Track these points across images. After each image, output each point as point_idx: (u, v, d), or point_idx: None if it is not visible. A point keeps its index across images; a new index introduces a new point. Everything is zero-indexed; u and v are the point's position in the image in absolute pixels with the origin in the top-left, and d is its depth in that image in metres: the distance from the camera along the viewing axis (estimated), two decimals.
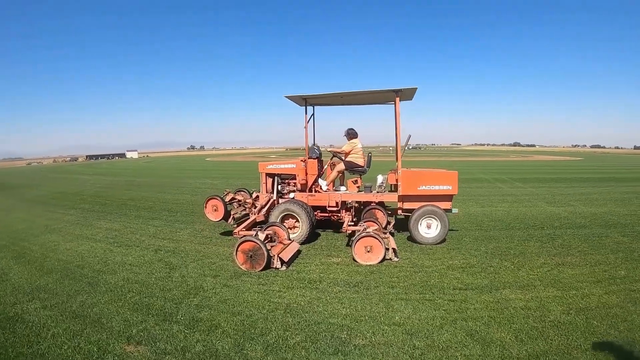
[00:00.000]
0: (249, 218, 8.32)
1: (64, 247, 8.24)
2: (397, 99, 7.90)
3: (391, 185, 8.53)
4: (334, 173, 8.88)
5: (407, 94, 8.27)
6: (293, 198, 8.63)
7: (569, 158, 65.38)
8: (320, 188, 8.76)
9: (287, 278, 5.92)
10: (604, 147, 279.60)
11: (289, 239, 7.21)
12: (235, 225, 8.62)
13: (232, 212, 8.82)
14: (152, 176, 30.47)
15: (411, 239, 7.96)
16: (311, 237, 8.04)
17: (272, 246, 6.61)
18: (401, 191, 7.92)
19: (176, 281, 5.90)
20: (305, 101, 8.58)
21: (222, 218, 8.58)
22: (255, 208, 8.76)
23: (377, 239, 6.51)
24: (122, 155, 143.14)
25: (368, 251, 6.56)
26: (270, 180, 9.22)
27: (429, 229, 7.91)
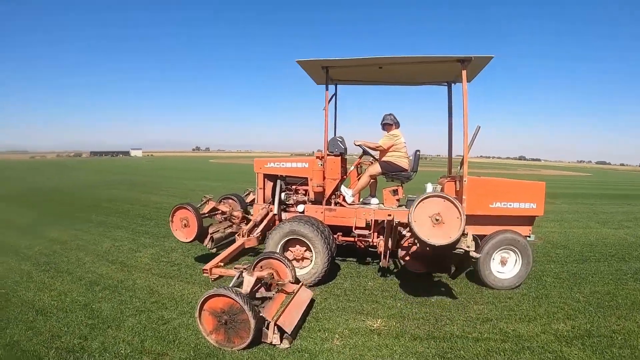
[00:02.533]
0: (234, 241, 5.53)
1: None
2: (464, 72, 5.14)
3: None
4: (364, 178, 6.10)
5: (473, 68, 5.53)
6: (302, 213, 5.88)
7: (577, 173, 61.45)
8: (344, 199, 5.96)
9: None
10: (609, 164, 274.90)
11: (295, 281, 4.46)
12: (214, 250, 5.81)
13: (210, 230, 6.09)
14: (148, 175, 27.76)
15: (476, 278, 5.34)
16: (329, 274, 5.27)
17: (263, 302, 3.99)
18: (466, 209, 5.07)
19: None
20: (326, 72, 5.78)
21: (195, 238, 5.82)
22: (245, 225, 5.93)
23: (451, 202, 4.11)
24: (127, 153, 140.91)
25: (437, 221, 4.09)
26: (270, 184, 6.39)
27: (503, 267, 5.23)
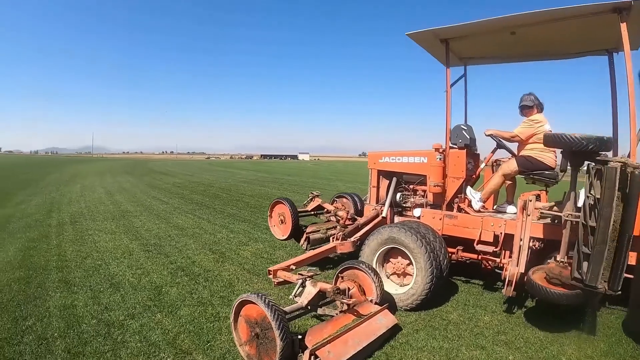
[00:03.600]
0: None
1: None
2: (624, 28, 3.53)
3: None
4: (496, 179, 4.77)
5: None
6: (418, 218, 4.86)
7: None
8: (470, 205, 4.72)
9: None
10: None
11: (378, 302, 3.60)
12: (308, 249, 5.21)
13: (308, 229, 5.49)
14: (303, 175, 28.79)
15: None
16: (435, 297, 4.14)
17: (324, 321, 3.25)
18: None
19: None
20: (445, 45, 4.66)
21: (290, 236, 5.47)
22: (344, 229, 5.20)
23: None
24: (295, 157, 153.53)
25: None
26: (385, 182, 5.51)
27: None
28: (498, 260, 4.29)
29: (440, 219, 4.65)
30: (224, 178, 23.08)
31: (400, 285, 4.23)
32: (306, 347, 2.78)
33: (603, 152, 3.24)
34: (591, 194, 3.04)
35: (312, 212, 5.97)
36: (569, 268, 3.36)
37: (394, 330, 3.48)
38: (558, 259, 3.60)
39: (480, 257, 4.44)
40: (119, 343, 3.22)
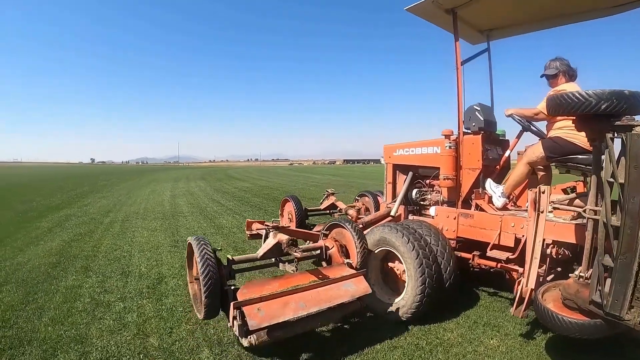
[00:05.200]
0: None
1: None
2: None
3: None
4: (520, 168, 3.99)
5: None
6: (434, 217, 4.34)
7: None
8: (490, 201, 4.06)
9: None
10: None
11: (357, 268, 3.29)
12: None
13: (312, 229, 5.24)
14: (378, 179, 28.14)
15: None
16: (444, 308, 3.68)
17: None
18: None
19: None
20: (453, 15, 4.06)
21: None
22: None
23: None
24: (377, 161, 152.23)
25: None
26: (402, 178, 5.04)
27: None
28: (521, 270, 3.42)
29: (454, 219, 4.05)
30: (295, 182, 23.28)
31: (393, 297, 3.68)
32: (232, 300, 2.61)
33: (628, 116, 2.23)
34: (612, 178, 2.11)
35: (326, 211, 5.66)
36: (589, 287, 2.41)
37: (364, 302, 3.17)
38: (577, 273, 2.62)
39: (499, 265, 3.68)
40: (97, 319, 3.51)
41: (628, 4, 3.85)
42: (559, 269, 3.37)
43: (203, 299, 2.66)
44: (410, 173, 4.82)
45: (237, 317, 2.50)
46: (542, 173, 4.12)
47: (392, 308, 3.52)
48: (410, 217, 4.73)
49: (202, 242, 2.83)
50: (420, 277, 3.32)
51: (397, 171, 5.06)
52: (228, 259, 3.03)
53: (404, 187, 4.79)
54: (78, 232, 7.53)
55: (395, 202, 4.84)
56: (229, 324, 2.67)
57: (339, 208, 5.75)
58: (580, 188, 3.88)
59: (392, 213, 4.72)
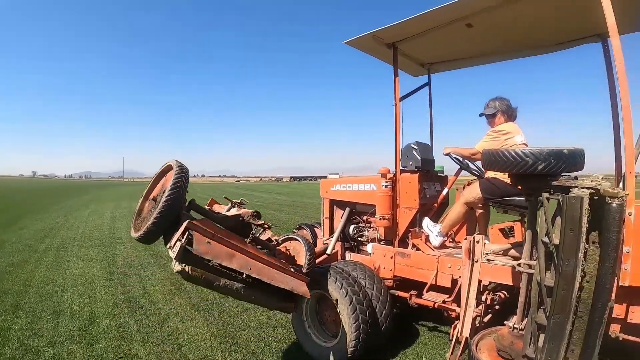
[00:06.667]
0: None
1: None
2: (605, 5, 2.42)
3: None
4: (457, 207, 3.90)
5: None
6: (370, 255, 4.18)
7: None
8: (427, 240, 3.96)
9: None
10: None
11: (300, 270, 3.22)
12: None
13: None
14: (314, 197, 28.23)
15: None
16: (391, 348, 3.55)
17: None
18: (630, 277, 2.38)
19: None
20: (393, 50, 3.93)
21: None
22: None
23: None
24: (325, 177, 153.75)
25: None
26: (340, 213, 4.83)
27: None
28: (459, 310, 3.29)
29: (391, 258, 3.90)
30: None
31: (334, 336, 3.45)
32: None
33: (567, 174, 2.22)
34: (546, 238, 2.02)
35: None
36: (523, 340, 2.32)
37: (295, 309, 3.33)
38: (511, 324, 2.54)
39: (437, 305, 3.53)
40: None
41: (567, 42, 3.91)
42: (497, 307, 3.31)
43: (155, 215, 2.55)
44: (348, 209, 4.65)
45: (183, 239, 2.42)
46: (480, 211, 4.08)
47: (328, 352, 3.33)
48: (348, 254, 4.50)
49: (182, 169, 2.74)
50: (355, 323, 3.16)
51: (335, 206, 4.87)
52: (191, 200, 3.01)
53: (341, 223, 4.62)
54: (10, 261, 7.10)
55: (332, 238, 4.62)
56: (169, 245, 2.54)
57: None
58: (517, 228, 3.82)
59: (327, 251, 4.46)
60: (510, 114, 3.79)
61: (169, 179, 2.68)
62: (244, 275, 2.69)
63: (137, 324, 4.26)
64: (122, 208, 18.45)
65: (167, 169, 2.92)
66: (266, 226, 3.27)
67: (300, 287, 2.97)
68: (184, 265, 2.45)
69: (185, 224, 2.48)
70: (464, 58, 4.57)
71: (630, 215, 2.34)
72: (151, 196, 2.94)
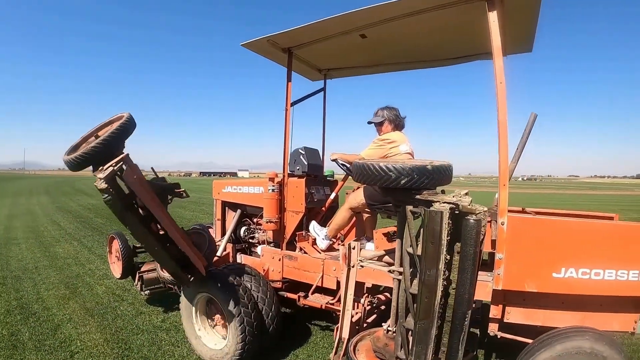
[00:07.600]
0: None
1: None
2: (492, 15, 2.60)
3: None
4: (342, 212, 3.96)
5: (516, 19, 2.95)
6: (260, 257, 4.23)
7: None
8: (315, 243, 4.02)
9: None
10: None
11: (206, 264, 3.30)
12: (143, 295, 4.86)
13: (143, 268, 4.70)
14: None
15: None
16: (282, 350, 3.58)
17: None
18: (503, 281, 2.63)
19: None
20: (289, 55, 3.92)
21: (124, 275, 4.74)
22: None
23: None
24: (234, 174, 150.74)
25: None
26: (231, 214, 4.78)
27: None
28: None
29: (279, 260, 3.93)
30: None
31: (224, 339, 3.40)
32: None
33: (430, 189, 2.24)
34: (410, 249, 2.13)
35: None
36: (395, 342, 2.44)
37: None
38: (386, 326, 2.60)
39: (322, 306, 3.63)
40: None
41: (461, 57, 4.03)
42: (383, 308, 3.50)
43: (94, 144, 2.68)
44: (239, 211, 4.63)
45: (116, 167, 2.59)
46: (367, 215, 4.16)
47: (217, 355, 3.32)
48: (239, 256, 4.47)
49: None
50: (240, 326, 3.15)
51: (227, 208, 4.82)
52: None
53: (232, 225, 4.60)
54: None
55: (223, 239, 4.57)
56: (99, 169, 2.63)
57: None
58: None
59: (217, 253, 4.32)
60: (397, 123, 3.86)
61: (117, 122, 2.80)
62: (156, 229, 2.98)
63: (30, 331, 4.04)
64: (20, 205, 16.88)
65: (119, 117, 2.99)
66: (184, 195, 3.36)
67: (198, 262, 3.09)
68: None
69: (123, 155, 2.65)
70: (359, 66, 4.63)
71: (502, 225, 2.57)
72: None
